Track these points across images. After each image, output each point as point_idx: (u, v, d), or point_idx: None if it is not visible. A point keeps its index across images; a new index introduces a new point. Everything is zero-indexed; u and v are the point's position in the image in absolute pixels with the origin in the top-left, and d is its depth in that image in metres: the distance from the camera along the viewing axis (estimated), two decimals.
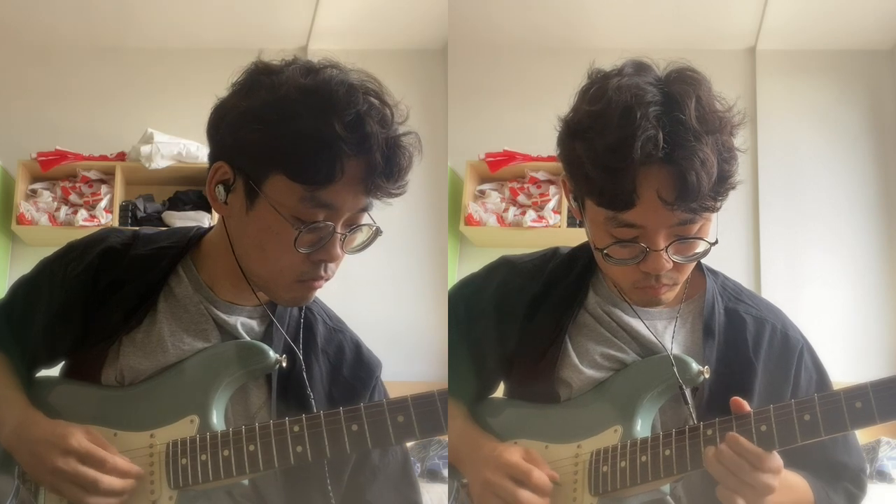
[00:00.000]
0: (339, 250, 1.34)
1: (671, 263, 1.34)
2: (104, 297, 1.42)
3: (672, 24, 3.78)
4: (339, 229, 1.32)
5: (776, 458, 1.30)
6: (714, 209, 1.33)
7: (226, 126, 1.34)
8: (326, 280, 1.37)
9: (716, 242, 1.36)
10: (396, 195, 1.34)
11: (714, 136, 1.30)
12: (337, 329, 1.49)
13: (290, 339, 1.43)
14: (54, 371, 1.48)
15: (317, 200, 1.30)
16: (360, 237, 1.36)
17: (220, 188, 1.35)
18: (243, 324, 1.43)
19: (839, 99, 3.90)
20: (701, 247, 1.36)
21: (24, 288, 1.49)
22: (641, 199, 1.29)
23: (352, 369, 1.47)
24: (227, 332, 1.42)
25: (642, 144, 1.27)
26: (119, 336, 1.40)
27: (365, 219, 1.35)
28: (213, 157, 1.37)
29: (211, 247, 1.44)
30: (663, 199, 1.29)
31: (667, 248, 1.33)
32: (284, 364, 1.39)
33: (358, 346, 1.49)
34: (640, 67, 1.35)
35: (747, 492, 1.30)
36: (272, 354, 1.39)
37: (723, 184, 1.31)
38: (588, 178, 1.32)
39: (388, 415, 1.31)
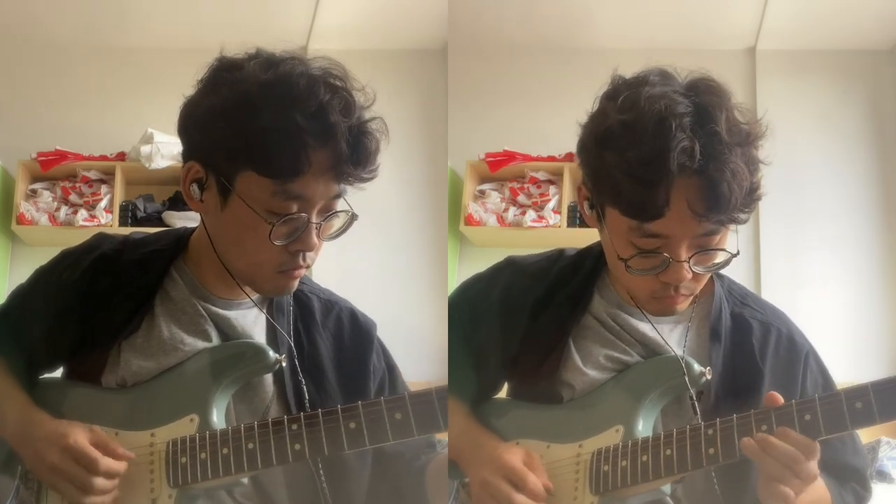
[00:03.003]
0: (315, 239, 1.35)
1: (692, 274, 1.34)
2: (100, 303, 1.43)
3: (672, 24, 3.78)
4: (313, 219, 1.33)
5: (818, 446, 1.30)
6: (742, 221, 1.33)
7: (193, 125, 1.36)
8: (307, 268, 1.38)
9: (737, 253, 1.36)
10: (368, 180, 1.35)
11: (743, 149, 1.30)
12: (331, 301, 1.51)
13: (292, 325, 1.44)
14: (55, 375, 1.48)
15: (288, 193, 1.31)
16: (337, 224, 1.38)
17: (195, 187, 1.36)
18: (243, 318, 1.43)
19: (840, 99, 3.89)
20: (720, 257, 1.36)
21: (20, 298, 1.50)
22: (671, 210, 1.29)
23: (352, 337, 1.49)
24: (227, 330, 1.42)
25: (678, 156, 1.26)
26: (117, 341, 1.41)
27: (341, 205, 1.36)
28: (185, 156, 1.38)
29: (198, 246, 1.45)
30: (694, 210, 1.29)
31: (689, 258, 1.33)
32: (284, 364, 1.40)
33: (353, 313, 1.51)
34: (665, 76, 1.35)
35: (795, 482, 1.30)
36: (271, 355, 1.40)
37: (751, 195, 1.32)
38: (617, 188, 1.32)
39: (385, 413, 1.32)
